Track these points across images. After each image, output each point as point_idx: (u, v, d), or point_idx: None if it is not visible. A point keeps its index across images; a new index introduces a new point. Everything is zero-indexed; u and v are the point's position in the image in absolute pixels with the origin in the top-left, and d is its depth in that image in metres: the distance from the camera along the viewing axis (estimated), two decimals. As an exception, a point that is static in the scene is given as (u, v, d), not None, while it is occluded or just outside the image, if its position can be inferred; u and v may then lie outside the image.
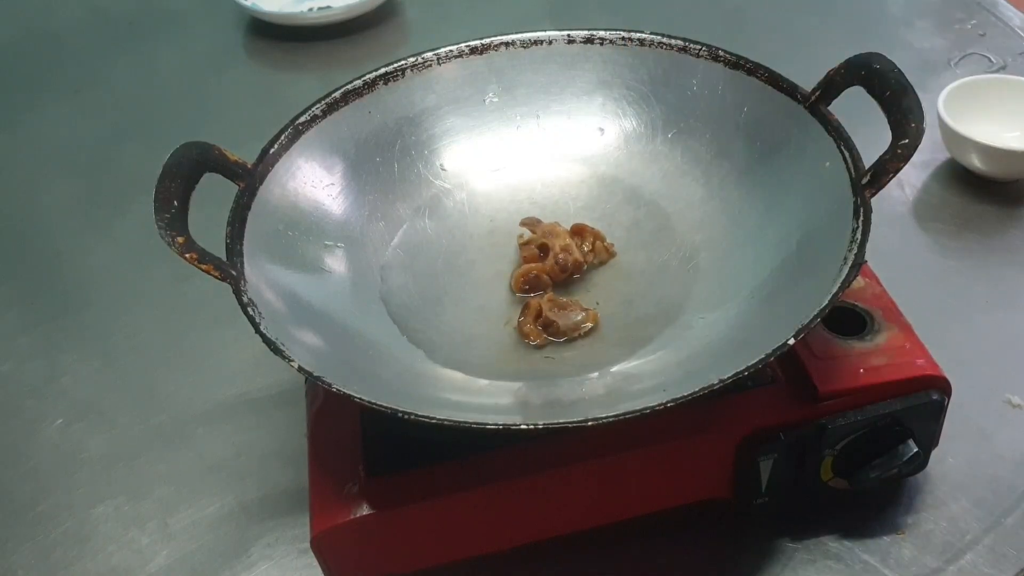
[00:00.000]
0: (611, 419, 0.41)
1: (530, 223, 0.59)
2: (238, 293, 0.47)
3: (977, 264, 0.72)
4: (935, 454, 0.54)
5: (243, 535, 0.58)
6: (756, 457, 0.50)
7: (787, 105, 0.54)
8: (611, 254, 0.57)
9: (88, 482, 0.62)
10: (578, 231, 0.58)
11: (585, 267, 0.56)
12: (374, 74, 0.60)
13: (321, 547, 0.49)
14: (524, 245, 0.57)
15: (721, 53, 0.58)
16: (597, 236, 0.58)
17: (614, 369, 0.51)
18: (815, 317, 0.43)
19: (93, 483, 0.62)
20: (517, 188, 0.63)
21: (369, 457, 0.50)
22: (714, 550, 0.55)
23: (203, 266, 0.46)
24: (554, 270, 0.55)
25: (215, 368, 0.69)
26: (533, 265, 0.56)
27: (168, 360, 0.71)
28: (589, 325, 0.53)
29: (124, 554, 0.58)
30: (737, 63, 0.57)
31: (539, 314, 0.53)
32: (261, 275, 0.50)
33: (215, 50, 1.09)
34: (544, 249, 0.56)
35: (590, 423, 0.41)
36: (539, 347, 0.53)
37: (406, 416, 0.42)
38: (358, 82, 0.60)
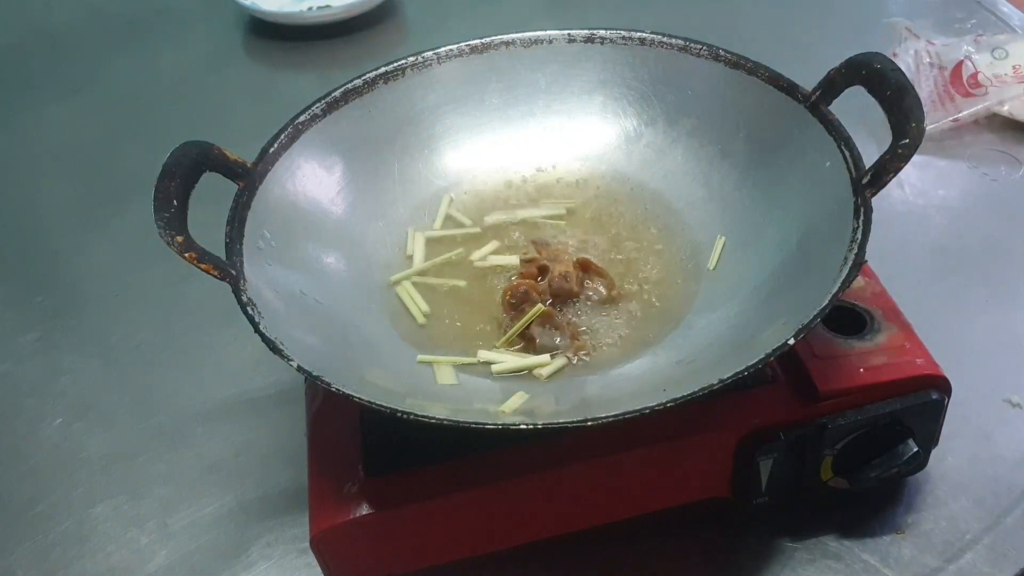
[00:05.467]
0: (611, 419, 0.41)
1: (538, 243, 0.58)
2: (237, 292, 0.47)
3: (977, 264, 0.72)
4: (935, 453, 0.54)
5: (243, 535, 0.58)
6: (756, 457, 0.50)
7: (788, 105, 0.54)
8: (612, 298, 0.55)
9: (87, 482, 0.62)
10: (583, 265, 0.56)
11: (578, 299, 0.55)
12: (374, 73, 0.60)
13: (320, 547, 0.49)
14: (526, 262, 0.57)
15: (722, 53, 0.58)
16: (601, 275, 0.56)
17: (614, 369, 0.51)
18: (815, 317, 0.43)
19: (92, 483, 0.62)
20: (517, 188, 0.63)
21: (368, 457, 0.50)
22: (714, 550, 0.55)
23: (202, 265, 0.46)
24: (545, 292, 0.55)
25: (215, 368, 0.69)
26: (524, 281, 0.55)
27: (167, 360, 0.70)
28: (566, 358, 0.52)
29: (123, 554, 0.58)
30: (738, 63, 0.57)
31: (528, 323, 0.53)
32: (261, 274, 0.50)
33: (214, 49, 1.09)
34: (544, 271, 0.56)
35: (590, 423, 0.41)
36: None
37: (406, 416, 0.42)
38: (358, 81, 0.60)
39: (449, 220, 0.61)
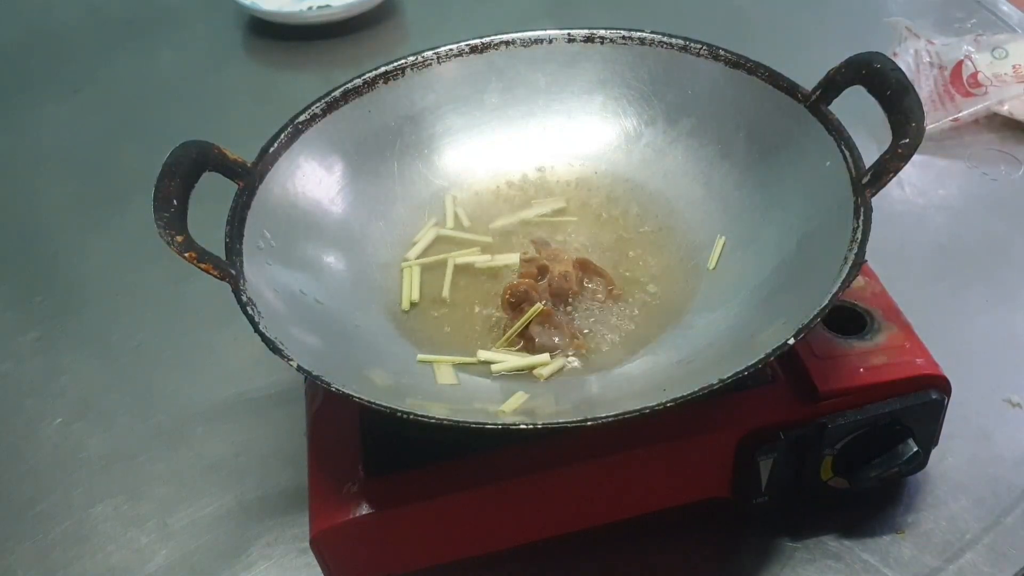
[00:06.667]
0: (611, 419, 0.41)
1: (538, 243, 0.58)
2: (237, 292, 0.47)
3: (977, 264, 0.72)
4: (935, 453, 0.54)
5: (242, 534, 0.58)
6: (756, 456, 0.50)
7: (787, 104, 0.54)
8: (611, 297, 0.55)
9: (87, 481, 0.62)
10: (582, 265, 0.56)
11: (578, 299, 0.55)
12: (374, 73, 0.60)
13: (320, 547, 0.49)
14: (526, 261, 0.57)
15: (722, 52, 0.58)
16: (600, 274, 0.56)
17: (614, 369, 0.51)
18: (815, 316, 0.43)
19: (92, 482, 0.62)
20: (517, 188, 0.63)
21: (368, 457, 0.50)
22: (714, 550, 0.55)
23: (202, 265, 0.46)
24: (545, 291, 0.55)
25: (214, 368, 0.69)
26: (524, 280, 0.55)
27: (167, 359, 0.70)
28: (565, 358, 0.52)
29: (123, 554, 0.58)
30: (738, 62, 0.57)
31: (527, 323, 0.53)
32: (260, 274, 0.50)
33: (214, 49, 1.09)
34: (543, 271, 0.56)
35: (589, 423, 0.41)
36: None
37: (406, 416, 0.42)
38: (358, 81, 0.60)
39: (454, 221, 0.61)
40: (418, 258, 0.59)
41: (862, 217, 0.47)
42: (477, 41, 0.62)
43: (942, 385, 0.51)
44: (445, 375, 0.51)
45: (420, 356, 0.52)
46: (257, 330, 0.45)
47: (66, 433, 0.66)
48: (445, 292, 0.57)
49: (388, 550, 0.50)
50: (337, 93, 0.59)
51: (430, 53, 0.62)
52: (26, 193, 0.89)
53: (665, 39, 0.60)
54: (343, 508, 0.48)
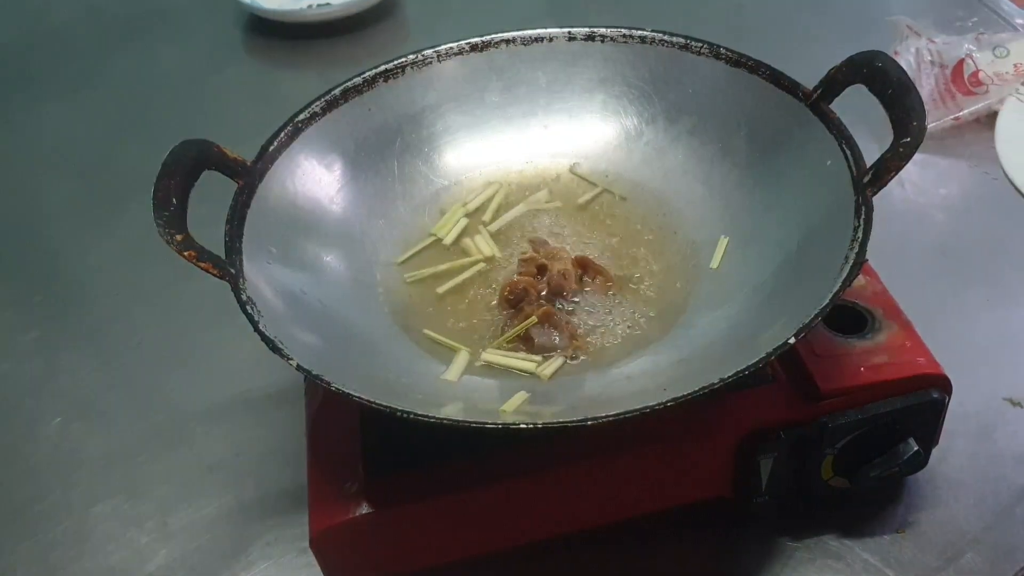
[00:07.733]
0: (611, 419, 0.41)
1: (536, 242, 0.58)
2: (237, 291, 0.47)
3: (978, 263, 0.72)
4: (935, 453, 0.54)
5: (242, 534, 0.58)
6: (756, 456, 0.50)
7: (789, 103, 0.54)
8: (612, 296, 0.55)
9: (87, 481, 0.62)
10: (581, 263, 0.56)
11: (578, 297, 0.55)
12: (374, 71, 0.60)
13: (320, 546, 0.49)
14: (524, 261, 0.57)
15: (723, 51, 0.58)
16: (600, 273, 0.56)
17: (614, 369, 0.51)
18: (816, 316, 0.43)
19: (92, 482, 0.62)
20: (517, 187, 0.63)
21: (368, 456, 0.50)
22: (714, 550, 0.55)
23: (202, 264, 0.46)
24: (544, 289, 0.55)
25: (214, 367, 0.69)
26: (523, 278, 0.55)
27: (167, 359, 0.70)
28: (564, 359, 0.51)
29: (123, 553, 0.58)
30: (739, 61, 0.57)
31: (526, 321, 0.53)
32: (260, 273, 0.50)
33: (214, 47, 1.09)
34: (542, 270, 0.55)
35: (590, 423, 0.41)
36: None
37: (405, 415, 0.42)
38: (358, 79, 0.59)
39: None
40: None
41: (863, 216, 0.47)
42: (477, 39, 0.62)
43: (943, 384, 0.51)
44: (459, 362, 0.51)
45: (427, 331, 0.52)
46: (257, 329, 0.45)
47: (65, 432, 0.66)
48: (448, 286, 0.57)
49: (388, 550, 0.50)
50: (337, 91, 0.59)
51: (430, 52, 0.62)
52: (26, 193, 0.89)
53: (666, 38, 0.60)
54: (343, 508, 0.48)
